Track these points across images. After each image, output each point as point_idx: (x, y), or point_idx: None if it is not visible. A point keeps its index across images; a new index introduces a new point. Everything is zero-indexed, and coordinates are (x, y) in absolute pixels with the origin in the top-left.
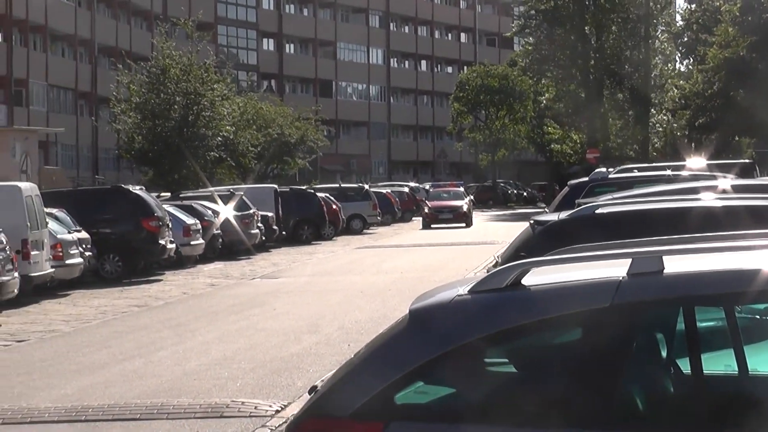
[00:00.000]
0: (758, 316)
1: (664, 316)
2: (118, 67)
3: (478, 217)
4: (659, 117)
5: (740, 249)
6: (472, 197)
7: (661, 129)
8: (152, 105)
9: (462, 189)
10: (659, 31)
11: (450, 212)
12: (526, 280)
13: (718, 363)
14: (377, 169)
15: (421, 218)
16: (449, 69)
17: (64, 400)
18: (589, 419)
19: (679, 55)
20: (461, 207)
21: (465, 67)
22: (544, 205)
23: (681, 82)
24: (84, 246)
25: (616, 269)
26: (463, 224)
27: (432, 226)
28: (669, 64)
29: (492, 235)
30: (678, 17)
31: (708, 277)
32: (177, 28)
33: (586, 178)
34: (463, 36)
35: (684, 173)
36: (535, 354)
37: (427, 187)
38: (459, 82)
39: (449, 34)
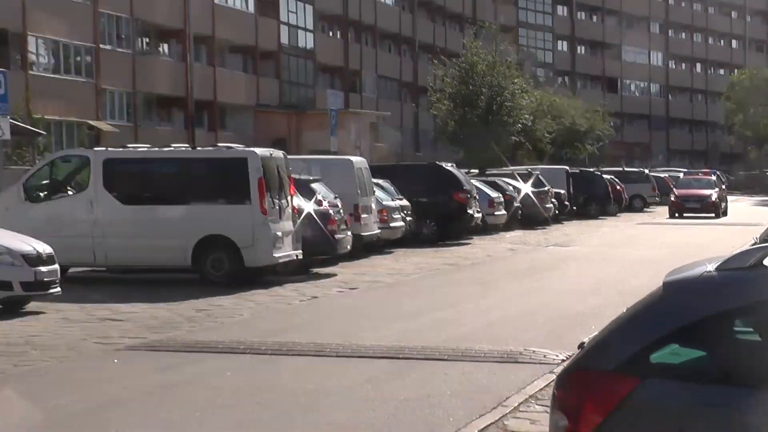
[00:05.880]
0: None
1: None
2: (434, 62)
3: (742, 202)
4: None
5: None
6: (724, 186)
7: None
8: (462, 95)
9: (714, 177)
10: None
11: (697, 201)
12: None
13: None
14: (657, 156)
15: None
16: (721, 71)
17: (384, 340)
18: None
19: None
20: (710, 196)
21: (735, 70)
22: None
23: None
24: (405, 212)
25: None
26: (712, 214)
27: (677, 215)
28: None
29: (759, 218)
30: None
31: None
32: (483, 30)
33: None
34: (734, 42)
35: None
36: None
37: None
38: (730, 84)
39: (722, 41)
